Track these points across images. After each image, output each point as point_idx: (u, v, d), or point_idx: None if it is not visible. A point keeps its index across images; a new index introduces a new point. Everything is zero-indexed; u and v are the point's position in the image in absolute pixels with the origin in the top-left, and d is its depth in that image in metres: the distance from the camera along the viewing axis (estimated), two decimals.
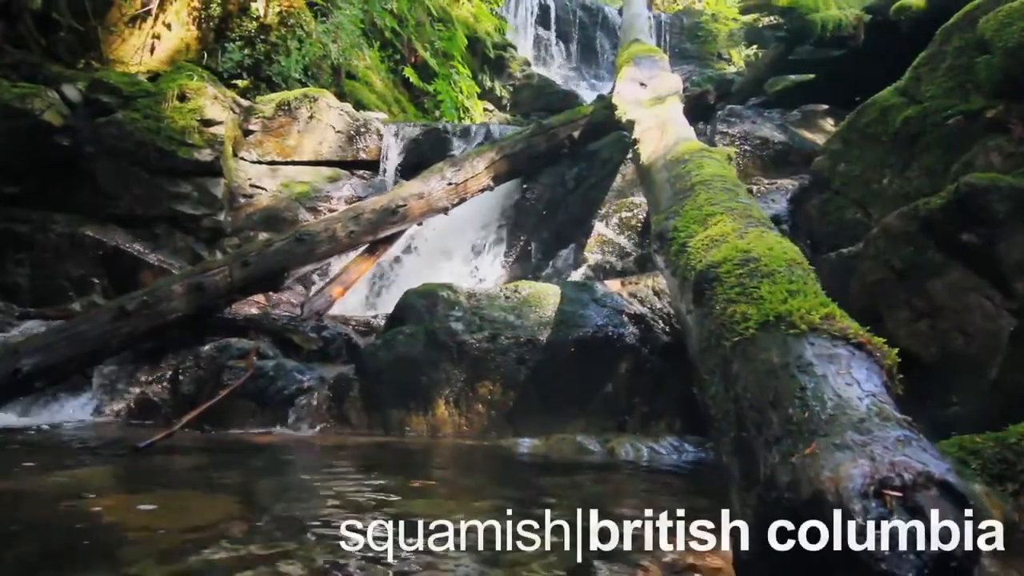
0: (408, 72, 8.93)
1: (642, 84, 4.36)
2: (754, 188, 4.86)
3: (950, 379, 2.61)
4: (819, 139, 5.57)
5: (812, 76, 6.58)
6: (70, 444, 3.02)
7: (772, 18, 16.54)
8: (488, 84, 11.22)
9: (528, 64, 11.91)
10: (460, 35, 10.42)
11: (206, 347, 3.33)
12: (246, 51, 7.25)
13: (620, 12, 13.92)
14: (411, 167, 6.48)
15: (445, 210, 4.82)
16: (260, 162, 6.26)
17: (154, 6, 7.22)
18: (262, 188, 6.11)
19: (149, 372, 3.52)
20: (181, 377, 3.23)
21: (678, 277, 1.96)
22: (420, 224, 4.87)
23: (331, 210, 6.14)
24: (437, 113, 9.90)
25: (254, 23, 7.36)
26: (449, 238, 5.36)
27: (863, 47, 6.15)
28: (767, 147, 5.23)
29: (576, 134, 5.55)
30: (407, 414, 3.09)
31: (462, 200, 4.92)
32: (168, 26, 7.30)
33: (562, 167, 5.57)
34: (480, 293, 3.34)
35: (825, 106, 6.13)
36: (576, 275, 4.64)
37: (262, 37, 7.30)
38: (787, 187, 4.79)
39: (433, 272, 5.33)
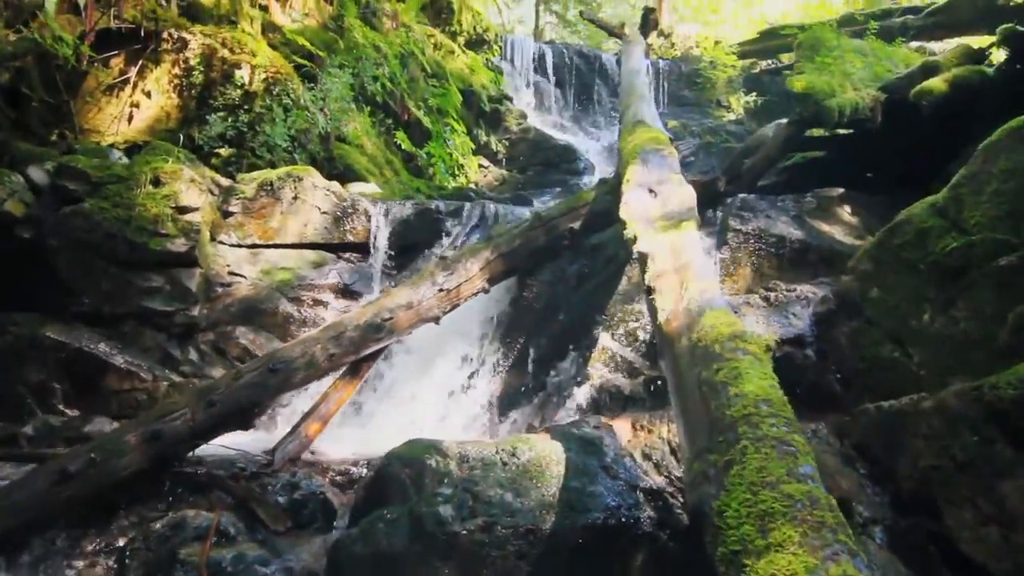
0: (400, 137, 8.58)
1: (651, 191, 3.99)
2: (771, 296, 4.48)
3: None
4: (837, 232, 5.20)
5: (823, 153, 6.24)
6: None
7: (769, 62, 16.45)
8: (484, 139, 10.92)
9: (524, 117, 11.61)
10: (454, 91, 10.12)
11: (158, 525, 2.90)
12: (229, 121, 6.88)
13: (618, 61, 13.70)
14: (401, 249, 6.11)
15: (436, 319, 4.42)
16: (240, 245, 5.86)
17: (133, 74, 6.88)
18: (241, 276, 5.70)
19: (96, 538, 3.08)
20: (128, 560, 2.81)
21: None
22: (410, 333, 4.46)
23: (315, 300, 5.75)
24: (431, 171, 9.57)
25: (238, 91, 7.01)
26: (439, 339, 4.95)
27: (880, 127, 5.82)
28: (784, 245, 4.86)
29: (577, 225, 5.17)
30: None
31: (454, 307, 4.53)
32: (148, 94, 6.96)
33: (562, 262, 5.19)
34: (474, 456, 2.92)
35: (840, 190, 5.77)
36: (579, 395, 4.24)
37: (246, 107, 6.94)
38: (808, 295, 4.41)
39: (421, 380, 4.92)
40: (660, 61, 15.09)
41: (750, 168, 5.93)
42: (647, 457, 3.05)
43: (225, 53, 7.08)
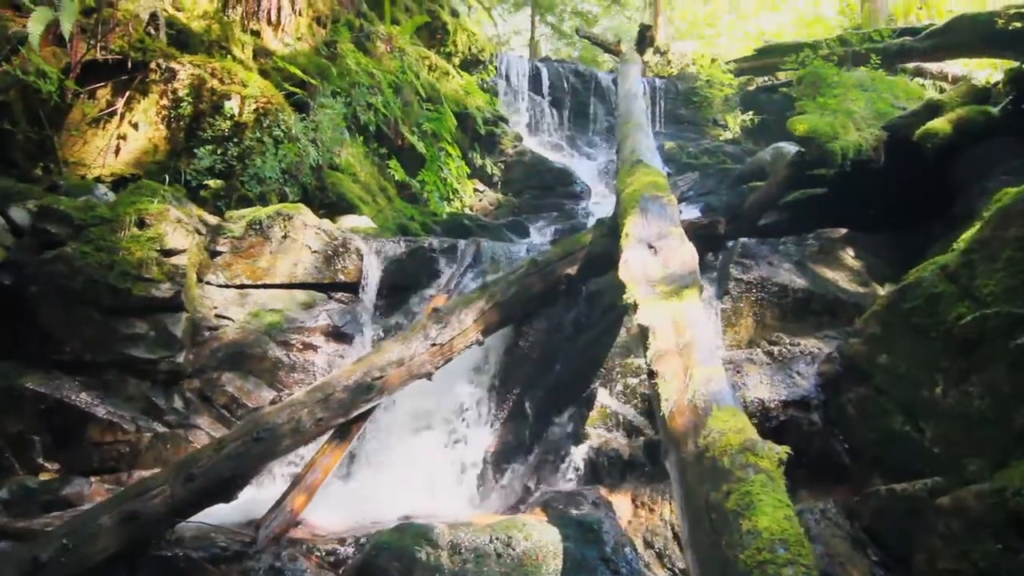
0: (393, 166, 8.44)
1: (651, 247, 3.85)
2: (775, 350, 4.35)
3: None
4: (841, 278, 5.08)
5: (824, 190, 6.12)
6: None
7: (766, 79, 16.36)
8: (479, 162, 10.79)
9: (520, 139, 11.49)
10: (449, 114, 9.99)
11: None
12: (218, 154, 6.73)
13: (614, 81, 13.60)
14: (393, 289, 5.97)
15: (428, 375, 4.27)
16: (228, 286, 5.70)
17: (119, 106, 6.72)
18: (229, 319, 5.55)
19: None
20: None
21: None
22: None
23: (305, 344, 5.59)
24: (425, 196, 9.43)
25: (228, 122, 6.86)
26: (431, 388, 4.79)
27: (883, 166, 5.70)
28: (786, 295, 4.73)
29: (574, 271, 5.03)
30: None
31: (447, 361, 4.38)
32: (135, 126, 6.80)
33: (559, 308, 5.05)
34: (467, 545, 2.78)
35: (843, 230, 5.65)
36: (576, 455, 4.09)
37: (235, 139, 6.79)
38: (812, 351, 4.27)
39: (412, 432, 4.77)
40: (656, 79, 15.01)
41: (751, 206, 5.81)
42: (649, 545, 2.91)
43: (214, 83, 6.94)
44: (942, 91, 12.98)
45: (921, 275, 3.54)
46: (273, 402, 5.30)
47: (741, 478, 1.99)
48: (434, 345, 4.27)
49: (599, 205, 10.44)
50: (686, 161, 12.49)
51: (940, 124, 5.28)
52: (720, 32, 23.13)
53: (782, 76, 15.50)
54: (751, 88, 15.71)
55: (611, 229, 5.22)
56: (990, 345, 3.05)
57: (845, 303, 4.77)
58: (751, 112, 14.51)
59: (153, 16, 7.18)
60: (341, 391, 3.90)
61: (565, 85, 14.01)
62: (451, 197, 9.93)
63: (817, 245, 5.35)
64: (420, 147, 9.25)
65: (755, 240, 5.21)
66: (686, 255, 3.66)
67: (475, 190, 10.57)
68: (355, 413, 3.95)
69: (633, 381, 4.28)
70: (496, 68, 12.70)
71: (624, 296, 3.47)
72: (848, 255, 5.34)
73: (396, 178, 8.56)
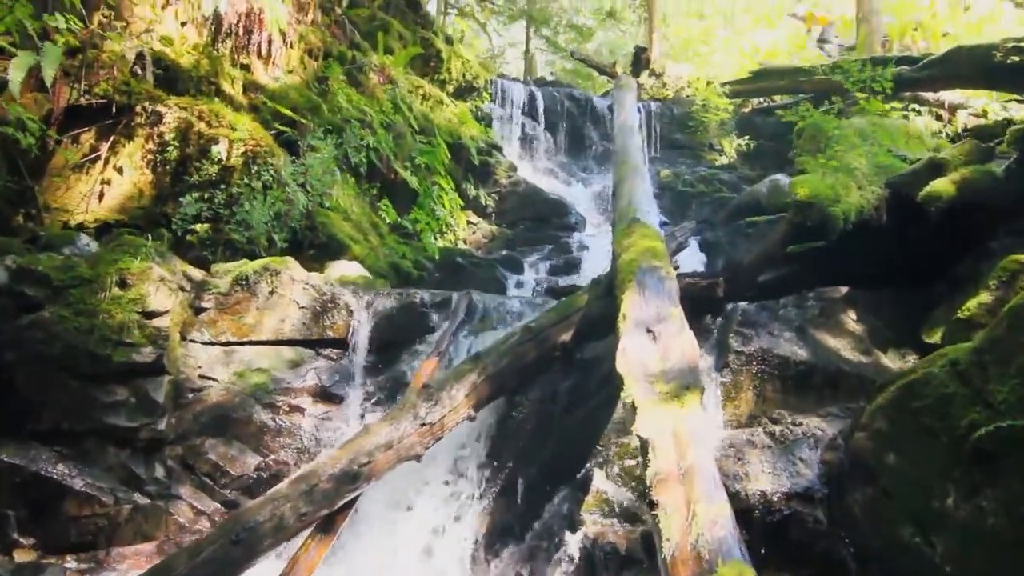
0: (385, 207, 8.30)
1: (649, 331, 3.72)
2: (776, 430, 4.22)
3: None
4: (843, 346, 4.95)
5: (824, 243, 5.97)
6: None
7: (761, 101, 16.28)
8: (473, 192, 10.66)
9: (514, 169, 11.36)
10: (442, 146, 9.86)
11: None
12: (205, 200, 6.57)
13: (609, 108, 13.48)
14: (383, 345, 5.82)
15: (418, 457, 4.12)
16: (213, 343, 5.54)
17: (104, 150, 6.56)
18: (213, 379, 5.38)
19: None
20: None
21: None
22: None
23: (291, 406, 5.43)
24: (418, 228, 9.27)
25: (215, 167, 6.70)
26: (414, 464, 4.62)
27: (884, 224, 5.58)
28: (788, 367, 4.61)
29: (569, 337, 4.90)
30: None
31: (437, 440, 4.23)
32: (119, 170, 6.63)
33: (554, 376, 4.90)
34: None
35: (844, 289, 5.53)
36: (572, 544, 3.94)
37: (223, 185, 6.63)
38: (815, 432, 4.14)
39: (399, 510, 4.61)
40: (652, 103, 14.91)
41: (751, 264, 5.68)
42: None
43: (202, 127, 6.78)
44: (939, 118, 12.96)
45: (930, 370, 3.41)
46: (258, 468, 5.16)
47: None
48: (424, 425, 4.12)
49: (594, 237, 10.32)
50: (682, 189, 12.38)
51: (944, 186, 5.16)
52: (715, 49, 23.12)
53: (778, 98, 15.45)
54: (746, 111, 15.64)
55: (607, 290, 5.09)
56: (1005, 459, 2.92)
57: (847, 375, 4.65)
58: (747, 136, 14.43)
59: (139, 56, 7.03)
60: (326, 481, 3.74)
61: (560, 109, 13.89)
62: (444, 230, 9.79)
63: (818, 307, 5.23)
64: (413, 182, 9.11)
65: (755, 306, 5.08)
66: (686, 345, 3.53)
67: (469, 222, 10.43)
68: (340, 503, 3.79)
69: (631, 463, 4.14)
70: (491, 94, 12.57)
71: (622, 394, 3.33)
72: (850, 318, 5.21)
73: (392, 204, 8.42)
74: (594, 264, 8.98)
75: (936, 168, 5.48)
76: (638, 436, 2.97)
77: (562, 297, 6.59)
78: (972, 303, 4.75)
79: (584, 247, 9.77)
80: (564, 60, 28.84)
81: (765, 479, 3.81)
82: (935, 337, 4.86)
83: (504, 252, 9.75)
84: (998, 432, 2.95)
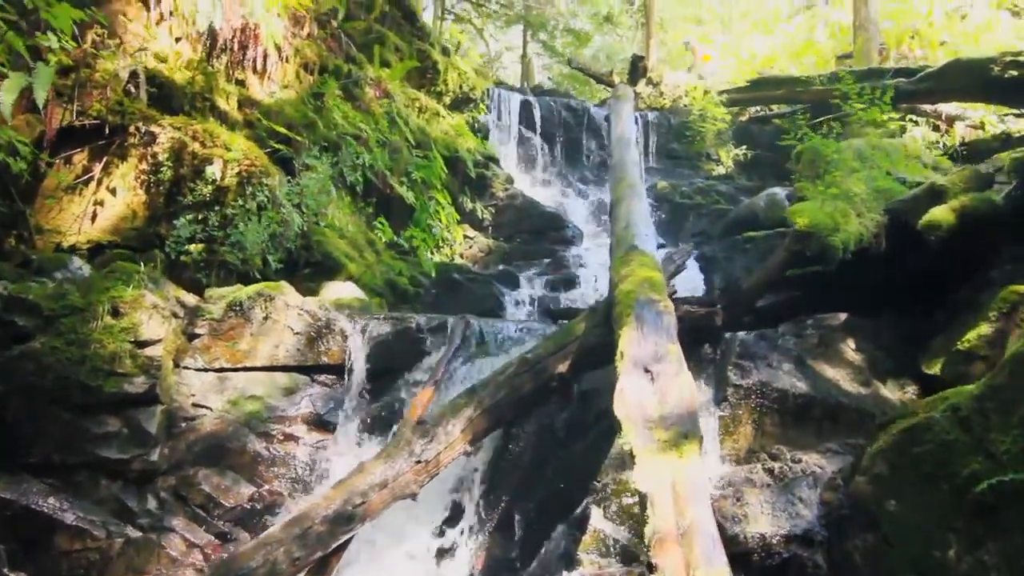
0: (380, 225, 8.25)
1: (647, 371, 3.68)
2: (775, 467, 4.18)
3: None
4: (842, 377, 4.92)
5: (823, 268, 5.94)
6: None
7: (758, 109, 16.25)
8: (469, 206, 10.61)
9: (511, 181, 11.31)
10: (439, 160, 9.81)
11: None
12: (199, 220, 6.51)
13: (606, 118, 13.44)
14: (379, 371, 5.76)
15: (413, 495, 4.07)
16: (207, 370, 5.48)
17: (97, 171, 6.49)
18: (207, 407, 5.33)
19: None
20: None
21: None
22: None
23: (286, 435, 5.39)
24: (414, 243, 9.22)
25: (209, 187, 6.63)
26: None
27: (884, 251, 5.55)
28: (786, 400, 4.57)
29: (566, 367, 4.85)
30: None
31: (433, 477, 4.18)
32: (112, 191, 6.57)
33: (551, 408, 4.86)
34: None
35: (843, 316, 5.50)
36: None
37: (217, 206, 6.57)
38: (814, 470, 4.11)
39: (394, 544, 4.56)
40: (649, 113, 14.87)
41: (750, 288, 5.63)
42: None
43: (196, 147, 6.71)
44: (936, 129, 12.95)
45: (931, 415, 3.37)
46: (252, 499, 5.11)
47: None
48: (419, 462, 4.08)
49: (590, 251, 10.29)
50: (679, 201, 12.34)
51: (944, 214, 5.13)
52: (712, 56, 23.06)
53: (775, 105, 15.42)
54: (743, 119, 15.61)
55: (604, 317, 5.05)
56: (1007, 511, 2.89)
57: (847, 408, 4.62)
58: (744, 146, 14.40)
59: (133, 74, 6.95)
60: (320, 523, 3.69)
61: (557, 120, 13.85)
62: (441, 245, 9.75)
63: (817, 336, 5.20)
64: (409, 197, 9.07)
65: (753, 336, 5.04)
66: (684, 388, 3.49)
67: (465, 236, 10.38)
68: (335, 545, 3.75)
69: (628, 501, 4.10)
70: (487, 106, 12.53)
71: (620, 440, 3.29)
72: (849, 347, 5.18)
73: (388, 219, 8.38)
74: (591, 279, 8.95)
75: (936, 195, 5.45)
76: (637, 490, 2.93)
77: (559, 319, 6.60)
78: (972, 335, 4.72)
79: (581, 263, 9.74)
80: (561, 64, 28.80)
81: (764, 520, 3.78)
82: (935, 368, 4.83)
83: (501, 267, 9.70)
84: (1000, 485, 2.91)
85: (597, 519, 4.11)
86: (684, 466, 2.92)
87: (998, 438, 3.04)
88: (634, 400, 3.46)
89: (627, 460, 3.21)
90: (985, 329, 4.67)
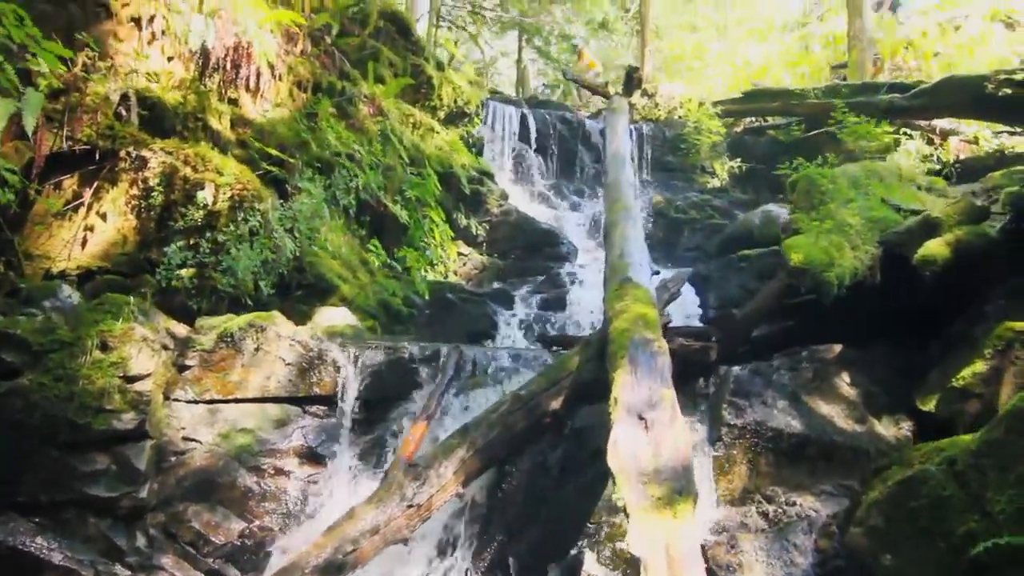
0: (374, 247, 8.20)
1: (641, 418, 3.65)
2: (770, 510, 4.16)
3: None
4: (837, 414, 4.90)
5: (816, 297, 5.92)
6: None
7: (752, 120, 16.27)
8: (463, 222, 10.57)
9: (505, 197, 11.28)
10: (433, 178, 9.76)
11: None
12: (191, 246, 6.45)
13: (601, 132, 13.42)
14: (372, 402, 5.72)
15: (405, 540, 4.03)
16: (197, 402, 5.43)
17: (87, 197, 6.43)
18: (197, 441, 5.27)
19: None
20: None
21: None
22: None
23: (277, 469, 5.34)
24: (407, 261, 9.17)
25: (201, 212, 6.58)
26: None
27: (879, 284, 5.54)
28: (781, 439, 4.55)
29: (559, 404, 4.82)
30: None
31: (424, 520, 4.15)
32: (103, 216, 6.51)
33: (544, 445, 4.83)
34: None
35: (838, 348, 5.48)
36: None
37: (208, 232, 6.51)
38: (809, 514, 4.09)
39: None
40: (644, 125, 14.86)
41: (744, 318, 5.61)
42: None
43: (187, 171, 6.66)
44: (930, 142, 12.96)
45: (926, 468, 3.35)
46: (242, 535, 5.06)
47: None
48: (411, 507, 4.04)
49: (585, 268, 10.26)
50: (674, 216, 12.36)
51: (938, 248, 5.12)
52: (707, 63, 23.08)
53: (770, 119, 15.43)
54: (738, 130, 15.63)
55: (598, 352, 5.03)
56: (1002, 574, 2.86)
57: (841, 446, 4.60)
58: (739, 159, 14.40)
59: (124, 97, 6.89)
60: (310, 573, 3.65)
61: (552, 132, 13.83)
62: (435, 262, 9.71)
63: (811, 370, 5.18)
64: (403, 216, 9.03)
65: (748, 371, 5.01)
66: (679, 438, 3.46)
67: (459, 253, 10.34)
68: None
69: (622, 546, 4.07)
70: (482, 119, 12.49)
71: (614, 494, 3.26)
72: (844, 381, 5.16)
73: (380, 241, 8.35)
74: (586, 299, 8.92)
75: (930, 227, 5.44)
76: (631, 552, 2.90)
77: (553, 345, 6.56)
78: (967, 372, 4.70)
79: (575, 279, 9.71)
80: (557, 70, 28.78)
81: (759, 569, 3.75)
82: (929, 405, 4.81)
83: (495, 285, 9.67)
84: (997, 548, 2.89)
85: (591, 564, 4.07)
86: (678, 528, 2.89)
87: (994, 497, 3.02)
88: (628, 451, 3.43)
89: (622, 513, 3.17)
90: (980, 367, 4.65)
